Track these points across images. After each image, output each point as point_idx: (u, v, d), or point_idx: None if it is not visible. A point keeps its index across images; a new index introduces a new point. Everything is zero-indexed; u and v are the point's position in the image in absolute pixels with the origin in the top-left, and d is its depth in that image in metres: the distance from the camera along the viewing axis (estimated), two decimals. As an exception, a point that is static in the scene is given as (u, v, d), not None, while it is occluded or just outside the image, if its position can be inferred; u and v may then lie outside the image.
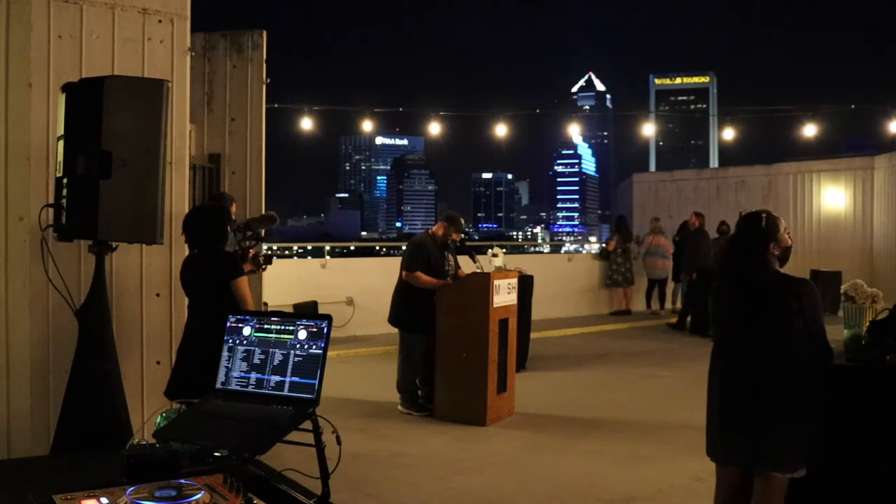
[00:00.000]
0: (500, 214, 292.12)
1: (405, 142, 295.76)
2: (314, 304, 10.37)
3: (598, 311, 13.85)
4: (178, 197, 4.69)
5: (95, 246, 3.77)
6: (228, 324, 2.50)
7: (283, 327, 2.40)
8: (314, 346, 2.33)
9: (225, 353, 2.46)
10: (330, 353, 2.34)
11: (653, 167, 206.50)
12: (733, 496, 3.32)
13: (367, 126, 16.66)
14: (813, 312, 3.17)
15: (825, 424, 3.29)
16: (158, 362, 4.67)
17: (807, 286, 3.23)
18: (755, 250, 3.25)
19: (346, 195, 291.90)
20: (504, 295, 6.65)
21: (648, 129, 23.57)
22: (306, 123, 15.22)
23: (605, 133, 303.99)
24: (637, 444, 5.87)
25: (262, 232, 5.85)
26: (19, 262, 4.29)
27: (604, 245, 14.54)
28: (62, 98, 3.78)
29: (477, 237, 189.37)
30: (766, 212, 3.37)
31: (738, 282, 3.30)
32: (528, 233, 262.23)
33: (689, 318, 12.08)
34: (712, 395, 3.36)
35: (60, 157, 3.75)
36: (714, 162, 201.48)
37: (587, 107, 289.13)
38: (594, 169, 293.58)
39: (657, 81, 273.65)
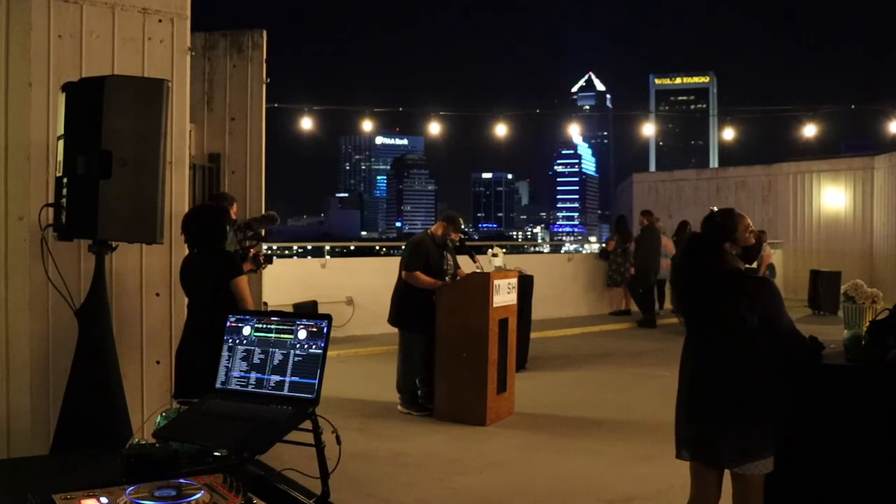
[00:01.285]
0: (500, 214, 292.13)
1: (405, 142, 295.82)
2: (314, 303, 10.37)
3: (598, 311, 13.85)
4: (178, 197, 4.69)
5: (95, 246, 3.76)
6: (228, 323, 2.50)
7: (282, 327, 2.40)
8: (314, 346, 2.33)
9: (225, 353, 2.46)
10: (330, 353, 2.34)
11: (653, 167, 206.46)
12: (706, 488, 3.35)
13: (367, 126, 16.68)
14: (772, 310, 3.19)
15: (817, 424, 3.31)
16: (158, 362, 4.66)
17: (762, 284, 3.30)
18: (709, 248, 3.31)
19: (346, 195, 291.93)
20: (504, 295, 6.65)
21: (648, 129, 23.61)
22: (306, 123, 15.24)
23: (605, 133, 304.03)
24: (637, 444, 5.87)
25: (263, 231, 5.85)
26: (19, 262, 4.29)
27: (604, 245, 14.52)
28: (62, 98, 3.78)
29: (477, 237, 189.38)
30: (726, 210, 3.43)
31: (690, 278, 3.38)
32: (528, 233, 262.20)
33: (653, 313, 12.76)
34: (678, 387, 3.43)
35: (60, 157, 3.75)
36: (714, 162, 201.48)
37: (587, 107, 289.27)
38: (594, 169, 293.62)
39: (657, 81, 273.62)
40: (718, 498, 3.37)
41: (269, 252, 6.57)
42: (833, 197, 16.84)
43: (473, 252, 7.16)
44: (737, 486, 3.25)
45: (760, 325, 3.16)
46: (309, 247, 20.60)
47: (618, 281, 13.62)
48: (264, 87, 6.74)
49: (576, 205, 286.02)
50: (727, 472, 3.32)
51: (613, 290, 13.83)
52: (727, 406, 3.17)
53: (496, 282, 6.51)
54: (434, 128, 16.20)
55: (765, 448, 3.15)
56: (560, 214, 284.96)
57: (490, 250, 7.79)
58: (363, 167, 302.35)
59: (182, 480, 1.97)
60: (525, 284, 8.22)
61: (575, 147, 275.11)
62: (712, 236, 3.32)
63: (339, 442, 2.26)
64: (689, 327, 3.44)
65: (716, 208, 3.53)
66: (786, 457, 3.24)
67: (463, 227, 7.02)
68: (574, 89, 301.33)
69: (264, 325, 2.44)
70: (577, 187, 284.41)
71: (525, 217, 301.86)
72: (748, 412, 3.15)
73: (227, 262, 4.43)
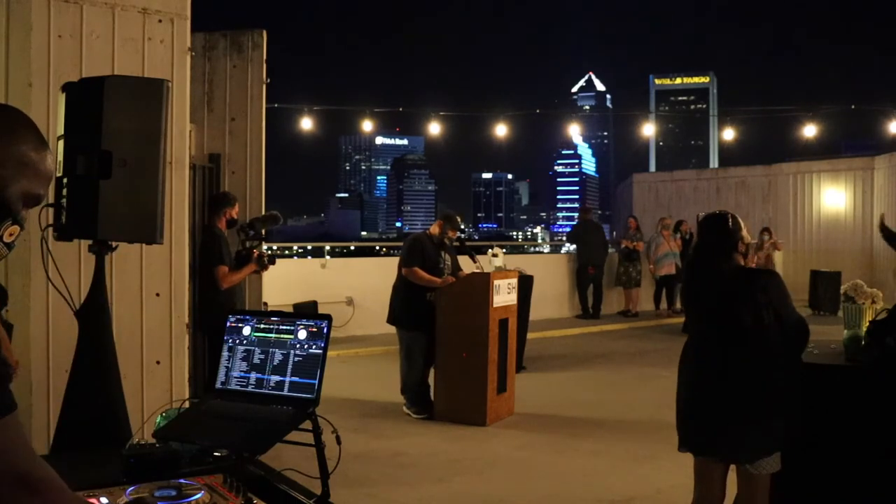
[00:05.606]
0: (500, 214, 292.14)
1: (405, 142, 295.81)
2: (314, 304, 10.37)
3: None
4: (178, 197, 4.69)
5: (95, 246, 3.76)
6: (228, 324, 2.49)
7: (282, 327, 2.40)
8: (314, 346, 2.32)
9: (225, 353, 2.46)
10: (330, 353, 2.34)
11: (653, 167, 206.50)
12: (711, 488, 3.34)
13: (367, 126, 16.69)
14: (781, 301, 3.24)
15: (817, 424, 3.31)
16: (158, 362, 4.66)
17: (773, 277, 3.36)
18: (724, 248, 3.34)
19: (346, 195, 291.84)
20: (504, 295, 6.65)
21: (648, 129, 23.63)
22: (306, 123, 15.25)
23: (605, 133, 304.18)
24: (637, 444, 5.87)
25: (264, 231, 5.84)
26: (19, 262, 4.29)
27: (633, 245, 13.55)
28: (62, 98, 3.78)
29: (477, 237, 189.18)
30: (731, 213, 3.48)
31: (707, 278, 3.39)
32: (528, 233, 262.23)
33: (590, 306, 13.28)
34: (681, 386, 3.42)
35: (60, 157, 3.74)
36: (714, 162, 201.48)
37: (587, 107, 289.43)
38: (594, 169, 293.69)
39: (657, 81, 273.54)
40: (723, 498, 3.37)
41: (270, 252, 6.56)
42: (833, 197, 16.83)
43: (473, 252, 7.16)
44: (744, 485, 3.24)
45: (773, 321, 3.19)
46: (309, 247, 20.62)
47: (638, 281, 13.54)
48: (264, 87, 6.73)
49: (576, 205, 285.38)
50: (731, 472, 3.32)
51: (626, 290, 13.68)
52: (744, 404, 3.16)
53: (496, 282, 6.51)
54: (434, 128, 16.20)
55: (778, 444, 3.16)
56: (560, 215, 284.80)
57: (490, 250, 7.79)
58: (363, 167, 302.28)
59: (182, 480, 1.97)
60: (525, 284, 8.22)
61: (575, 147, 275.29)
62: (725, 237, 3.35)
63: (339, 442, 2.25)
64: (699, 327, 3.44)
65: (701, 214, 3.61)
66: (787, 456, 3.24)
67: (461, 225, 7.03)
68: (574, 89, 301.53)
69: (264, 326, 2.44)
70: (577, 187, 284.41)
71: (525, 217, 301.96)
72: (764, 409, 3.15)
73: None
